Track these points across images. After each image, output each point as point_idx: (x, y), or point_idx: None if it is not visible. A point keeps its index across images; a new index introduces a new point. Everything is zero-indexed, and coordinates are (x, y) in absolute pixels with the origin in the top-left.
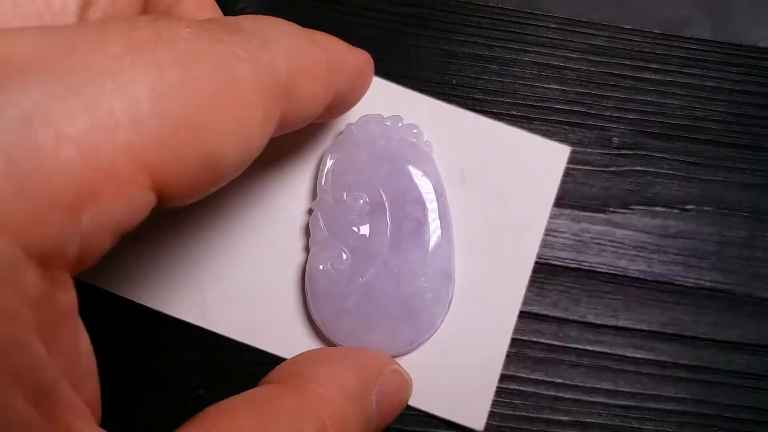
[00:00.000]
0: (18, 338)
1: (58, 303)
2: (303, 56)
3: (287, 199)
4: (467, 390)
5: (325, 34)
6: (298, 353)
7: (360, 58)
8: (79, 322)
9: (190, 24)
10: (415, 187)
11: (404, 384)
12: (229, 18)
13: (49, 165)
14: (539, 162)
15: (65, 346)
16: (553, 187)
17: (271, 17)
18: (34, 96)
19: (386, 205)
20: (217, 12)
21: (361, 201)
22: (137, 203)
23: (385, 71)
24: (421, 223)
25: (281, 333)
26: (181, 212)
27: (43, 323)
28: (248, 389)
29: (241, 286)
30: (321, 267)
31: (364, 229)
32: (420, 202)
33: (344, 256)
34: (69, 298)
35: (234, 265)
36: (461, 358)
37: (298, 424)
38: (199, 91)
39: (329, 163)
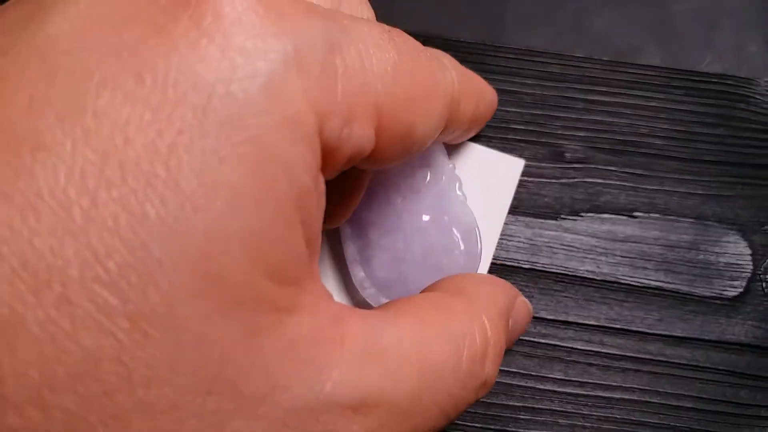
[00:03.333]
0: (310, 193)
1: (320, 186)
2: (466, 81)
3: None
4: None
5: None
6: None
7: (493, 93)
8: (324, 200)
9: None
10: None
11: (529, 313)
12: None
13: (339, 82)
14: (496, 173)
15: (320, 212)
16: (509, 196)
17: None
18: (335, 35)
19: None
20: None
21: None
22: (369, 136)
23: None
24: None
25: None
26: None
27: (318, 193)
28: None
29: None
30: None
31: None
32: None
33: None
34: (323, 181)
35: None
36: None
37: (469, 321)
38: (417, 79)
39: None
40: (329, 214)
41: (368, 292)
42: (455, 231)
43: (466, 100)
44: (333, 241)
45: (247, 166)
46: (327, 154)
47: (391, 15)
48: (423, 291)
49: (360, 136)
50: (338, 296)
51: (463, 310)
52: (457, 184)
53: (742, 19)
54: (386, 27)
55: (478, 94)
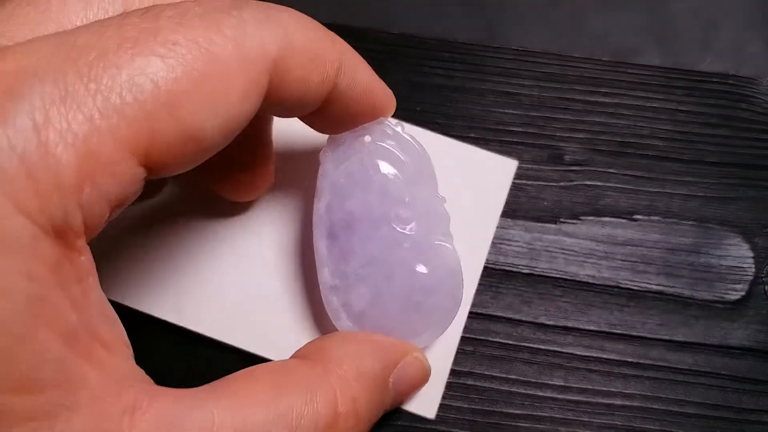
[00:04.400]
0: (44, 294)
1: (74, 263)
2: (301, 39)
3: (270, 209)
4: None
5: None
6: (274, 351)
7: (378, 85)
8: (96, 278)
9: (178, 10)
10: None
11: (423, 370)
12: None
13: (51, 160)
14: (490, 174)
15: (88, 297)
16: (502, 196)
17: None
18: (37, 104)
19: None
20: None
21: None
22: (126, 177)
23: None
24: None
25: (261, 332)
26: (160, 217)
27: (64, 280)
28: None
29: (218, 285)
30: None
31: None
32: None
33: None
34: (85, 257)
35: (212, 266)
36: None
37: (311, 396)
38: (174, 75)
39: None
40: (241, 186)
41: (342, 325)
42: (439, 270)
43: (300, 59)
44: (306, 263)
45: None
46: (74, 225)
47: (388, 17)
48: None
49: (111, 185)
50: (308, 324)
51: (309, 380)
52: (446, 222)
53: (742, 19)
54: (126, 27)
55: (327, 54)
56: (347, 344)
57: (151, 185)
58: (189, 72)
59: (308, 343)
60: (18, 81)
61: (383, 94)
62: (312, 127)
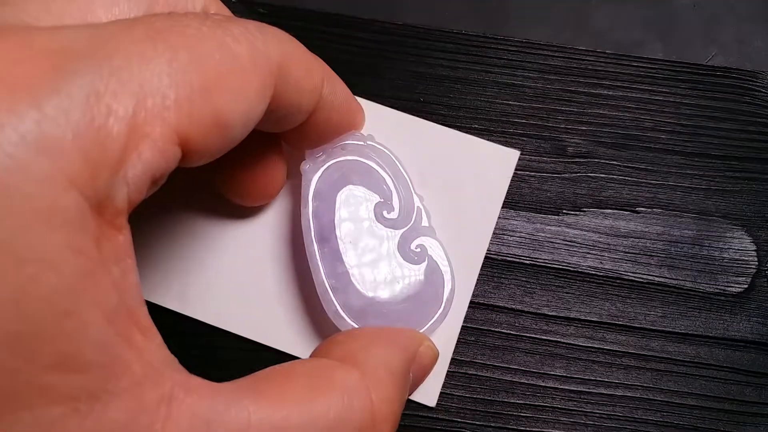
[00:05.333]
0: (91, 270)
1: (113, 242)
2: (295, 52)
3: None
4: None
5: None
6: (276, 338)
7: (353, 98)
8: (134, 260)
9: (196, 17)
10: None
11: (435, 357)
12: (236, 17)
13: (103, 134)
14: (491, 164)
15: (126, 278)
16: (504, 186)
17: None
18: (88, 81)
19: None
20: (224, 10)
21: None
22: (167, 156)
23: (362, 91)
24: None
25: (262, 320)
26: (166, 208)
27: (106, 259)
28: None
29: (221, 275)
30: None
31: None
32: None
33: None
34: (124, 236)
35: (216, 256)
36: None
37: (348, 400)
38: (208, 63)
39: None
40: (248, 191)
41: (344, 325)
42: (427, 263)
43: (297, 68)
44: (299, 263)
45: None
46: (117, 201)
47: (392, 8)
48: (312, 353)
49: (152, 162)
50: (309, 313)
51: (345, 384)
52: (425, 217)
53: (745, 14)
54: (155, 23)
55: (316, 66)
56: (375, 346)
57: None
58: (217, 65)
59: (328, 341)
60: (65, 59)
61: (357, 106)
62: (290, 143)
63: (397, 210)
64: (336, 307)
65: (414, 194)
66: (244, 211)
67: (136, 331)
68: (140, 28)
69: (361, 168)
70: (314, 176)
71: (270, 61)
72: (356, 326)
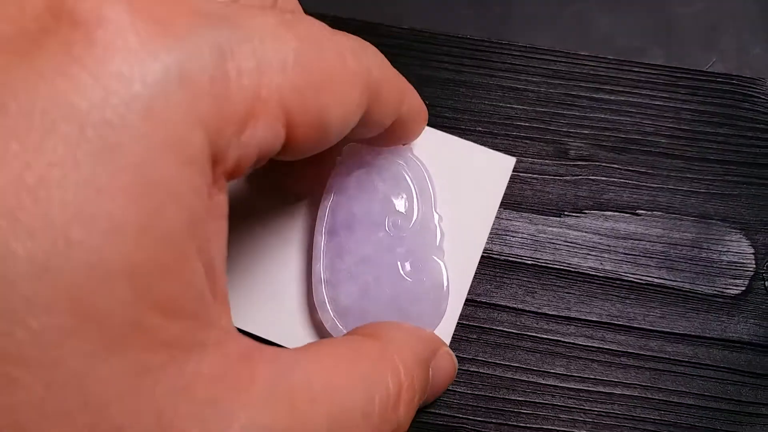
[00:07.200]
0: (202, 216)
1: (215, 200)
2: (387, 70)
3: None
4: None
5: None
6: (278, 332)
7: (422, 103)
8: (227, 223)
9: (316, 21)
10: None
11: (454, 365)
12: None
13: (233, 88)
14: (489, 170)
15: (220, 237)
16: (499, 193)
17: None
18: (225, 37)
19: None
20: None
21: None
22: (276, 133)
23: None
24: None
25: (264, 313)
26: None
27: (210, 212)
28: None
29: (240, 276)
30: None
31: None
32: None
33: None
34: (223, 198)
35: (234, 257)
36: None
37: (381, 367)
38: (324, 63)
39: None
40: (299, 186)
41: (326, 317)
42: (426, 282)
43: (388, 88)
44: (303, 257)
45: (128, 195)
46: (229, 161)
47: (398, 12)
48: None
49: (265, 135)
50: (296, 313)
51: (377, 354)
52: (439, 238)
53: (745, 22)
54: (285, 14)
55: (402, 87)
56: (398, 330)
57: None
58: (331, 68)
59: (361, 326)
60: (197, 20)
61: (423, 120)
62: (354, 139)
63: (411, 223)
64: (324, 297)
65: (435, 212)
66: (247, 204)
67: (219, 290)
68: (273, 14)
69: (390, 175)
70: (345, 172)
71: (370, 77)
72: (338, 322)
